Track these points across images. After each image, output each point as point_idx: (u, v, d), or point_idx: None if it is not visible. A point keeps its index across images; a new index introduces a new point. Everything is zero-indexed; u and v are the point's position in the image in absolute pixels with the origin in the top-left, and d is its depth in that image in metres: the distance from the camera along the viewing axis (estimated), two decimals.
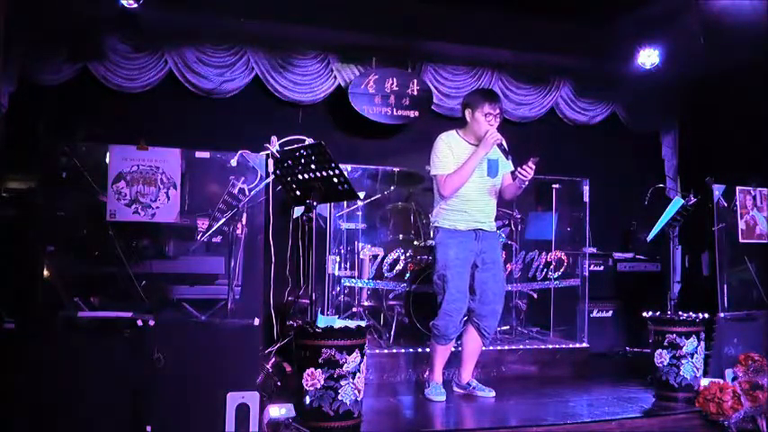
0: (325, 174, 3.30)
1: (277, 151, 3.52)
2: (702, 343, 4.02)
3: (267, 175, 3.80)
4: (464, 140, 4.00)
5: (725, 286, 4.49)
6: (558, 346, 5.07)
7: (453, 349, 4.15)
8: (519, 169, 3.84)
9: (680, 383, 3.94)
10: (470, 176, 3.91)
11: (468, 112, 3.98)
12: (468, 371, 4.15)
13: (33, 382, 2.92)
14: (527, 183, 3.88)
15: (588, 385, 4.52)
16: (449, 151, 3.95)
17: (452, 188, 3.92)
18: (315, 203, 3.43)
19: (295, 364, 3.30)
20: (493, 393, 4.07)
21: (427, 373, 4.18)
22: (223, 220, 3.71)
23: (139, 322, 3.05)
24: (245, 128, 5.26)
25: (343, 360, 3.12)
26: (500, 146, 3.92)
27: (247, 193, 3.76)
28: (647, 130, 6.73)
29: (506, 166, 4.09)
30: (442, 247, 3.98)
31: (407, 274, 4.93)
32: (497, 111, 3.92)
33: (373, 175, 5.61)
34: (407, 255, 4.96)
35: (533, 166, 3.78)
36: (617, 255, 5.75)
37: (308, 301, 3.41)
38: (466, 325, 4.06)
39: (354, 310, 5.19)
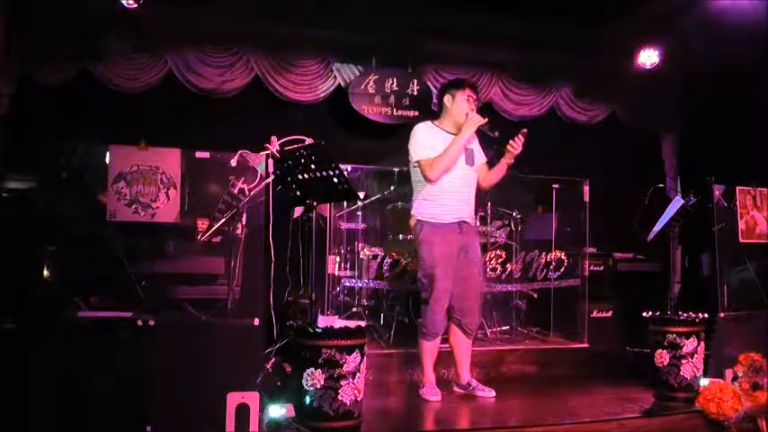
0: (325, 174, 3.30)
1: (277, 151, 3.52)
2: (702, 343, 4.01)
3: (267, 175, 3.80)
4: (440, 129, 4.03)
5: (725, 286, 4.49)
6: (558, 346, 5.06)
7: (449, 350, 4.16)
8: (511, 142, 3.85)
9: (680, 383, 3.94)
10: (458, 158, 3.92)
11: (448, 98, 4.05)
12: (464, 370, 4.14)
13: (33, 383, 2.92)
14: (512, 160, 3.91)
15: (588, 385, 4.52)
16: (429, 137, 3.98)
17: (440, 171, 3.90)
18: (315, 203, 3.43)
19: (295, 364, 3.30)
20: (493, 393, 4.06)
21: (419, 373, 4.17)
22: (223, 220, 3.70)
23: (139, 322, 3.05)
24: (245, 128, 5.26)
25: (343, 360, 3.12)
26: (483, 129, 3.92)
27: (247, 193, 3.76)
28: (647, 131, 6.74)
29: (481, 157, 4.11)
30: (427, 244, 3.95)
31: (407, 274, 4.93)
32: (476, 96, 4.05)
33: (373, 175, 5.61)
34: (407, 255, 4.96)
35: (522, 139, 3.81)
36: (617, 255, 5.75)
37: (308, 301, 3.41)
38: (449, 325, 4.06)
39: (354, 310, 5.19)
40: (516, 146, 3.84)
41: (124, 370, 3.00)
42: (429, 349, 4.02)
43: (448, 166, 3.91)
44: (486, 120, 3.91)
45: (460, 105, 3.99)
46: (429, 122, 4.09)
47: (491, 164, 4.11)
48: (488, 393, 4.06)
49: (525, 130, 3.84)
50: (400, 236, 5.25)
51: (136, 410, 2.98)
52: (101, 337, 3.05)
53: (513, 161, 3.94)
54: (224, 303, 3.77)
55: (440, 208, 3.96)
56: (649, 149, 6.76)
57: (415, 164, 4.00)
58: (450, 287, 3.93)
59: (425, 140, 3.97)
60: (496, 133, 3.91)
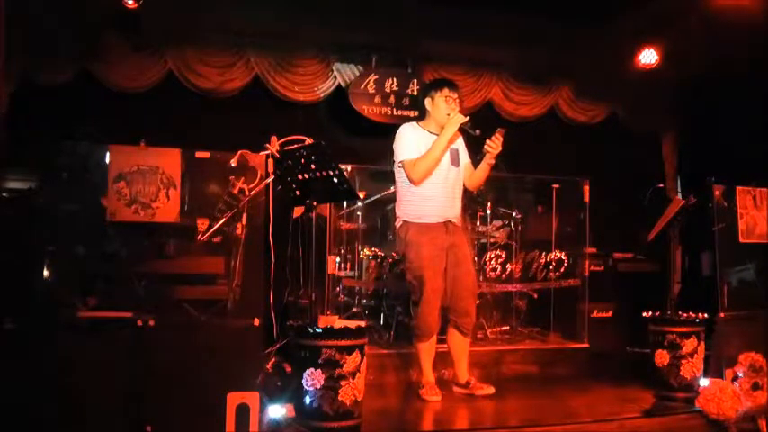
0: (325, 174, 3.30)
1: (277, 151, 3.52)
2: (702, 343, 4.02)
3: (267, 175, 3.80)
4: (425, 130, 4.04)
5: (725, 286, 4.48)
6: (558, 346, 5.06)
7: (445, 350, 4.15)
8: (487, 141, 3.85)
9: (680, 383, 3.94)
10: (440, 159, 3.92)
11: (428, 101, 4.05)
12: (462, 370, 4.14)
13: (33, 383, 2.92)
14: (494, 160, 3.91)
15: (588, 385, 4.52)
16: (414, 138, 3.98)
17: (423, 172, 3.90)
18: (315, 203, 3.43)
19: (295, 364, 3.30)
20: (492, 389, 4.06)
21: (417, 374, 4.17)
22: (223, 220, 3.70)
23: (139, 322, 3.05)
24: (245, 128, 5.26)
25: (343, 360, 3.12)
26: (465, 127, 3.91)
27: (247, 193, 3.76)
28: (646, 130, 6.73)
29: (465, 157, 4.12)
30: (414, 246, 3.95)
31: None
32: (456, 96, 4.01)
33: (373, 175, 5.61)
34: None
35: (500, 138, 3.82)
36: (617, 255, 5.76)
37: (307, 301, 3.41)
38: (446, 326, 4.06)
39: (354, 310, 5.19)
40: (494, 145, 3.84)
41: (124, 370, 3.00)
42: (425, 350, 4.03)
43: (430, 167, 3.91)
44: (468, 118, 3.91)
45: (440, 107, 3.99)
46: (414, 123, 4.11)
47: (474, 165, 4.12)
48: (487, 390, 4.05)
49: (502, 129, 3.84)
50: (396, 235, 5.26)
51: (136, 410, 2.98)
52: (101, 337, 3.05)
53: (494, 161, 3.94)
54: (224, 303, 3.77)
55: (425, 209, 3.96)
56: (649, 149, 6.76)
57: (399, 165, 4.00)
58: (440, 288, 3.93)
59: (410, 142, 3.97)
60: (478, 131, 3.90)
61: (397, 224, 4.09)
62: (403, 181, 4.02)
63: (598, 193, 5.45)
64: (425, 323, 3.93)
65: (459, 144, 4.11)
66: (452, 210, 4.03)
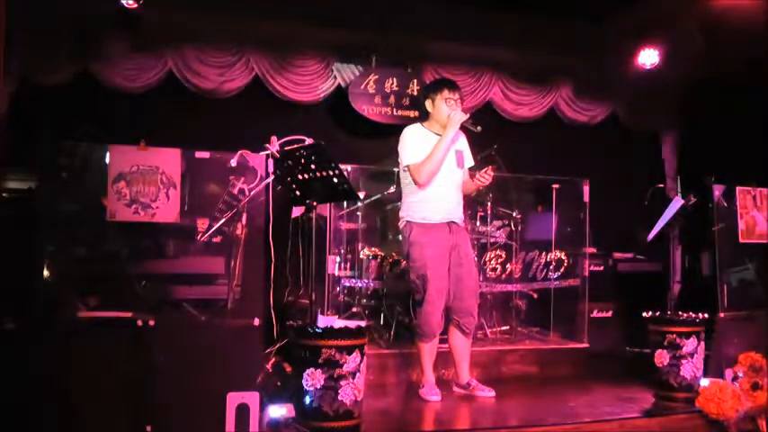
0: (325, 174, 3.30)
1: (277, 151, 3.53)
2: (702, 343, 4.02)
3: (267, 175, 3.80)
4: (429, 131, 4.05)
5: (725, 286, 4.48)
6: (558, 346, 5.06)
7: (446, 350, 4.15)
8: (478, 175, 3.93)
9: (680, 383, 3.94)
10: (444, 160, 3.94)
11: (429, 103, 4.08)
12: (464, 370, 4.14)
13: (33, 383, 2.92)
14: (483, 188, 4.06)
15: (588, 385, 4.52)
16: (417, 141, 4.00)
17: (428, 174, 3.92)
18: (315, 203, 3.43)
19: (295, 364, 3.30)
20: (493, 393, 4.06)
21: (417, 374, 4.17)
22: (223, 220, 3.71)
23: (139, 322, 3.05)
24: (245, 128, 5.26)
25: (343, 360, 3.12)
26: (466, 125, 3.94)
27: (247, 193, 3.76)
28: (646, 130, 6.73)
29: (469, 161, 4.15)
30: (418, 246, 3.97)
31: (408, 275, 4.92)
32: (457, 96, 4.03)
33: (373, 175, 5.61)
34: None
35: (492, 174, 3.91)
36: (617, 255, 5.75)
37: (307, 301, 3.41)
38: (448, 326, 4.06)
39: (354, 310, 5.19)
40: (483, 180, 3.93)
41: (124, 370, 3.00)
42: (427, 350, 4.03)
43: (435, 168, 3.93)
44: (468, 116, 3.94)
45: (441, 108, 4.01)
46: (419, 125, 4.12)
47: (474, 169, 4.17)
48: (488, 393, 4.06)
49: (493, 166, 3.95)
50: (400, 236, 5.25)
51: (136, 410, 2.98)
52: (101, 337, 3.05)
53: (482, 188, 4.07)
54: (224, 303, 3.77)
55: (429, 209, 3.97)
56: (649, 149, 6.76)
57: (405, 168, 4.02)
58: (444, 288, 3.94)
59: (414, 144, 4.00)
60: (479, 128, 3.93)
61: (401, 224, 4.10)
62: (408, 182, 4.04)
63: (598, 193, 5.45)
64: (428, 323, 3.93)
65: (464, 146, 4.13)
66: (456, 211, 4.05)
